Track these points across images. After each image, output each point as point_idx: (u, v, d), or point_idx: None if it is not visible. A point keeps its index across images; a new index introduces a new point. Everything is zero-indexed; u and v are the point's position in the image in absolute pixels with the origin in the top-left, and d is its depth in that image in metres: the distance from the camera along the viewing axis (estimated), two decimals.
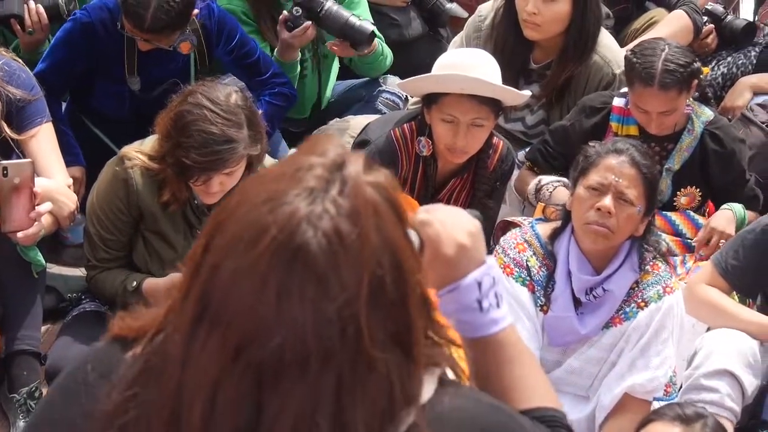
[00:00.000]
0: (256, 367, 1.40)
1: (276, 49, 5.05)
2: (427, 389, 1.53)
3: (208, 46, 4.78)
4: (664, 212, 4.54)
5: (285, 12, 4.96)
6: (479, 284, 1.77)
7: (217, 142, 3.54)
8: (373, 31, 4.99)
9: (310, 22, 4.91)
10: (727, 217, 4.43)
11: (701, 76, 4.46)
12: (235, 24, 4.90)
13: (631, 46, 4.77)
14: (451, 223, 1.78)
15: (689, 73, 4.30)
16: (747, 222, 4.35)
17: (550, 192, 4.38)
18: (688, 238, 4.51)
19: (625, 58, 4.47)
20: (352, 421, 1.41)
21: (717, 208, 4.63)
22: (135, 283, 3.83)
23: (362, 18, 5.03)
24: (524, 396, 1.75)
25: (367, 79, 5.50)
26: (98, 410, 1.51)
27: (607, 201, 3.61)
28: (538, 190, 4.44)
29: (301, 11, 4.91)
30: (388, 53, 5.34)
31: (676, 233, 4.52)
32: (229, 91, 3.66)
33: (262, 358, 1.40)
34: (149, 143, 3.80)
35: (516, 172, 4.66)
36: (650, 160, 3.73)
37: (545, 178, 4.44)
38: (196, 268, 1.47)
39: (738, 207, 4.46)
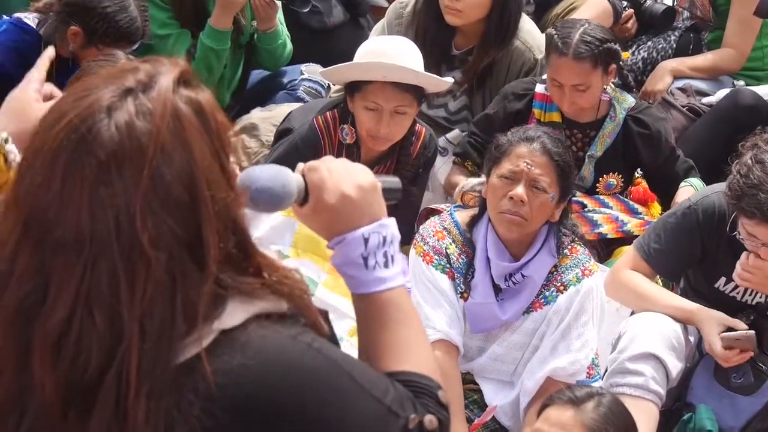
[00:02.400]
0: (41, 242, 1.50)
1: (211, 16, 4.97)
2: (234, 316, 1.56)
3: None
4: (596, 196, 4.57)
5: None
6: (366, 240, 1.78)
7: None
8: None
9: None
10: (690, 193, 4.45)
11: (621, 62, 4.47)
12: None
13: None
14: (340, 173, 1.80)
15: (605, 50, 4.33)
16: None
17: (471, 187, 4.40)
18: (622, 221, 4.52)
19: (547, 33, 4.51)
20: (128, 319, 1.47)
21: (653, 189, 4.67)
22: None
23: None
24: (397, 358, 1.75)
25: (288, 67, 5.44)
26: None
27: (520, 189, 3.61)
28: (462, 196, 4.44)
29: None
30: (288, 44, 5.30)
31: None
32: None
33: (46, 235, 1.49)
34: None
35: (439, 159, 4.65)
36: (562, 147, 3.73)
37: (468, 183, 4.41)
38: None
39: (696, 181, 4.50)
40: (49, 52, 2.14)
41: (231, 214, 1.57)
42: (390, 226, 1.82)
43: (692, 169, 4.61)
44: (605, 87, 4.48)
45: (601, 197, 4.58)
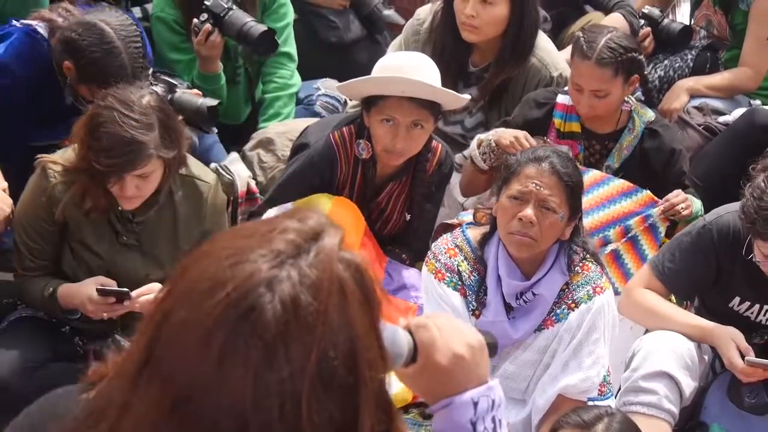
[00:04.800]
0: (191, 426, 1.34)
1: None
2: None
3: None
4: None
5: (195, 20, 4.88)
6: (475, 404, 1.68)
7: (124, 144, 3.52)
8: (264, 32, 4.83)
9: (208, 26, 4.82)
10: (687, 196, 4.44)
11: (645, 73, 4.48)
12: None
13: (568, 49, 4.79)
14: (449, 331, 1.70)
15: (629, 59, 4.36)
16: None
17: (490, 140, 4.42)
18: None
19: (576, 35, 4.54)
20: None
21: None
22: (51, 289, 3.81)
23: (259, 22, 4.93)
24: None
25: (305, 82, 5.45)
26: None
27: (529, 211, 3.61)
28: (479, 146, 4.46)
29: (207, 16, 4.83)
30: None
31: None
32: (142, 93, 3.64)
33: (199, 419, 1.33)
34: (66, 153, 3.77)
35: (455, 175, 4.66)
36: (571, 166, 3.74)
37: (483, 135, 4.49)
38: (153, 314, 1.40)
39: (697, 203, 4.46)
40: None
41: (385, 394, 1.46)
42: (497, 389, 1.72)
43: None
44: (626, 97, 4.49)
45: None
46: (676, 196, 4.40)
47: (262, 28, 4.82)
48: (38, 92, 4.38)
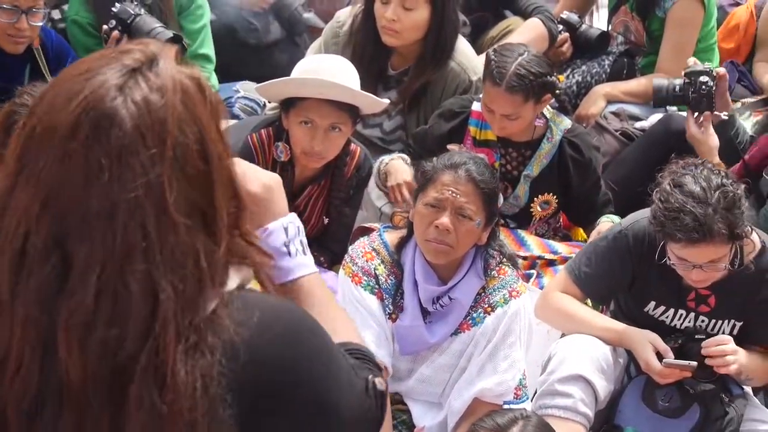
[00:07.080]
0: (62, 217, 1.51)
1: None
2: (232, 281, 1.64)
3: (47, 61, 4.72)
4: (517, 231, 4.57)
5: (104, 26, 4.82)
6: (286, 229, 1.89)
7: None
8: (171, 39, 4.64)
9: (116, 32, 4.75)
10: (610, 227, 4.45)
11: (557, 91, 4.48)
12: (69, 50, 4.88)
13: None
14: (251, 168, 1.90)
15: (539, 84, 4.31)
16: None
17: (386, 164, 4.47)
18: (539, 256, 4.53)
19: (486, 54, 4.50)
20: (159, 282, 1.51)
21: (569, 215, 4.71)
22: None
23: (168, 28, 4.86)
24: (335, 333, 1.83)
25: (223, 84, 5.41)
26: None
27: (445, 219, 3.62)
28: (378, 170, 4.48)
29: (115, 23, 4.77)
30: None
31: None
32: None
33: (70, 208, 1.51)
34: None
35: (373, 179, 4.65)
36: (488, 173, 3.74)
37: (385, 157, 4.51)
38: (18, 133, 1.59)
39: (615, 218, 4.48)
40: None
41: (234, 183, 1.66)
42: (296, 218, 1.94)
43: (610, 203, 4.65)
44: (540, 113, 4.49)
45: (521, 234, 4.59)
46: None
47: (169, 34, 4.73)
48: None
